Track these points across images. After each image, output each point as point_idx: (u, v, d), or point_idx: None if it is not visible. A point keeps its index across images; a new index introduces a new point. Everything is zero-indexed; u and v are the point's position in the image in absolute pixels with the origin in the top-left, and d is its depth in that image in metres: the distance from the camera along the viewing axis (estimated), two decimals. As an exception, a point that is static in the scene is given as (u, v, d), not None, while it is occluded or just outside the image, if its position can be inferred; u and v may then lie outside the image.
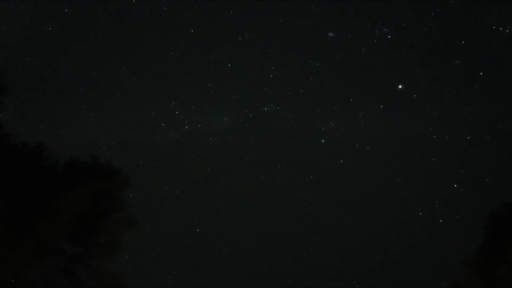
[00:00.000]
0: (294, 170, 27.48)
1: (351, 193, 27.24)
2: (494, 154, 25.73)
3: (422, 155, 26.61)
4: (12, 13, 24.89)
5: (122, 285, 13.86)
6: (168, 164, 27.03)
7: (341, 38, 25.90)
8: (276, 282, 25.72)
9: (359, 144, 26.79)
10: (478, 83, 25.17)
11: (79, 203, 12.79)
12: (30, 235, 12.13)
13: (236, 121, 27.47)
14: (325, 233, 26.67)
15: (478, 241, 14.48)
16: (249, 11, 25.70)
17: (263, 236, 26.65)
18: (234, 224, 26.70)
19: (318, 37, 26.19)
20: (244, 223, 26.72)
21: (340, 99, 26.73)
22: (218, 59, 26.40)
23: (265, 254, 26.43)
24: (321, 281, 25.65)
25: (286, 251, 26.59)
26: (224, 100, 27.25)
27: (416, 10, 24.89)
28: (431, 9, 24.65)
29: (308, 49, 26.40)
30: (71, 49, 25.83)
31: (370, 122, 26.81)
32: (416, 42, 25.20)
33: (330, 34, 25.80)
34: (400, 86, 25.82)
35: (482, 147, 25.82)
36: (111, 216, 13.86)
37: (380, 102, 26.53)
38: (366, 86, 26.69)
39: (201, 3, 25.65)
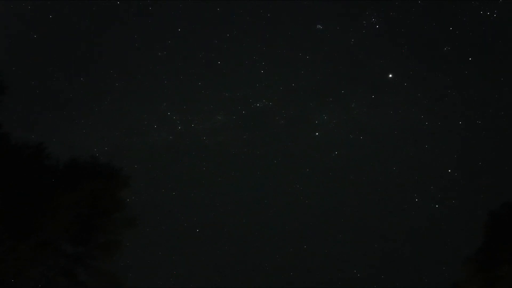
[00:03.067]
0: (289, 164, 27.67)
1: (347, 184, 27.48)
2: (486, 138, 26.16)
3: (415, 142, 26.97)
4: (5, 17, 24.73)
5: (122, 285, 13.83)
6: (164, 166, 26.98)
7: (330, 30, 26.07)
8: (278, 277, 25.79)
9: (352, 135, 27.08)
10: (468, 69, 25.45)
11: (79, 203, 12.75)
12: (30, 235, 12.09)
13: (229, 119, 27.51)
14: (324, 226, 26.80)
15: (478, 241, 14.48)
16: (236, 8, 25.70)
17: (263, 232, 26.74)
18: (233, 222, 26.75)
19: (306, 30, 26.35)
20: (243, 220, 26.79)
21: (332, 91, 26.98)
22: (207, 57, 26.42)
23: (266, 249, 26.55)
24: (320, 276, 25.74)
25: (286, 245, 26.75)
26: (215, 98, 27.27)
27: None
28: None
29: (297, 42, 26.52)
30: (56, 55, 25.62)
31: (362, 112, 27.08)
32: (404, 31, 25.43)
33: (319, 26, 25.94)
34: (390, 76, 26.10)
35: (474, 131, 26.24)
36: (111, 216, 13.82)
37: (372, 92, 26.81)
38: (356, 77, 26.92)
39: (187, 2, 25.58)
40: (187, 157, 27.21)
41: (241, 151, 27.38)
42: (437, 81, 26.19)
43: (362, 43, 25.85)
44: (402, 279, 24.95)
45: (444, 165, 26.51)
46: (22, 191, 12.02)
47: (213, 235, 26.63)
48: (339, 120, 27.16)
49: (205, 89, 26.90)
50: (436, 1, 24.81)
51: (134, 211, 14.15)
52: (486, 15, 24.25)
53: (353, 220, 26.97)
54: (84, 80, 25.87)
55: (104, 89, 26.05)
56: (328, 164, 27.41)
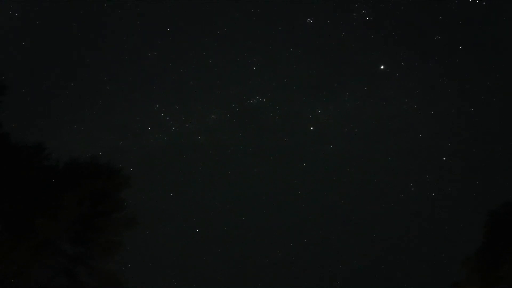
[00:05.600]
0: (286, 160, 27.63)
1: (344, 177, 27.49)
2: (478, 125, 26.36)
3: (409, 132, 27.14)
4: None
5: (122, 285, 13.82)
6: (160, 168, 26.85)
7: (320, 24, 26.03)
8: (279, 272, 25.79)
9: (347, 128, 27.12)
10: (458, 57, 25.53)
11: (79, 203, 12.74)
12: (30, 235, 12.08)
13: (223, 117, 27.44)
14: (322, 219, 26.83)
15: (478, 241, 14.42)
16: (225, 5, 25.58)
17: (263, 229, 26.69)
18: (233, 220, 26.70)
19: (297, 24, 26.24)
20: (242, 218, 26.73)
21: (325, 84, 26.98)
22: (198, 56, 26.25)
23: (266, 245, 26.51)
24: (320, 270, 25.77)
25: (286, 240, 26.70)
26: (209, 97, 27.16)
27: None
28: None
29: (288, 37, 26.47)
30: (46, 59, 25.41)
31: (356, 105, 27.12)
32: (394, 22, 25.48)
33: (309, 20, 25.92)
34: (382, 67, 26.15)
35: (467, 118, 26.43)
36: (111, 216, 13.81)
37: (364, 84, 26.85)
38: (349, 70, 26.94)
39: (175, 1, 25.39)
40: (183, 157, 27.12)
41: (237, 149, 27.35)
42: (428, 70, 26.38)
43: (353, 36, 25.89)
44: (402, 279, 25.01)
45: (438, 153, 26.72)
46: (22, 191, 12.00)
47: (213, 234, 26.60)
48: (333, 114, 27.26)
49: (197, 88, 26.81)
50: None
51: (134, 211, 14.15)
52: (475, 3, 24.31)
53: (351, 213, 27.05)
54: (74, 84, 25.69)
55: (95, 93, 25.87)
56: (324, 158, 27.49)
